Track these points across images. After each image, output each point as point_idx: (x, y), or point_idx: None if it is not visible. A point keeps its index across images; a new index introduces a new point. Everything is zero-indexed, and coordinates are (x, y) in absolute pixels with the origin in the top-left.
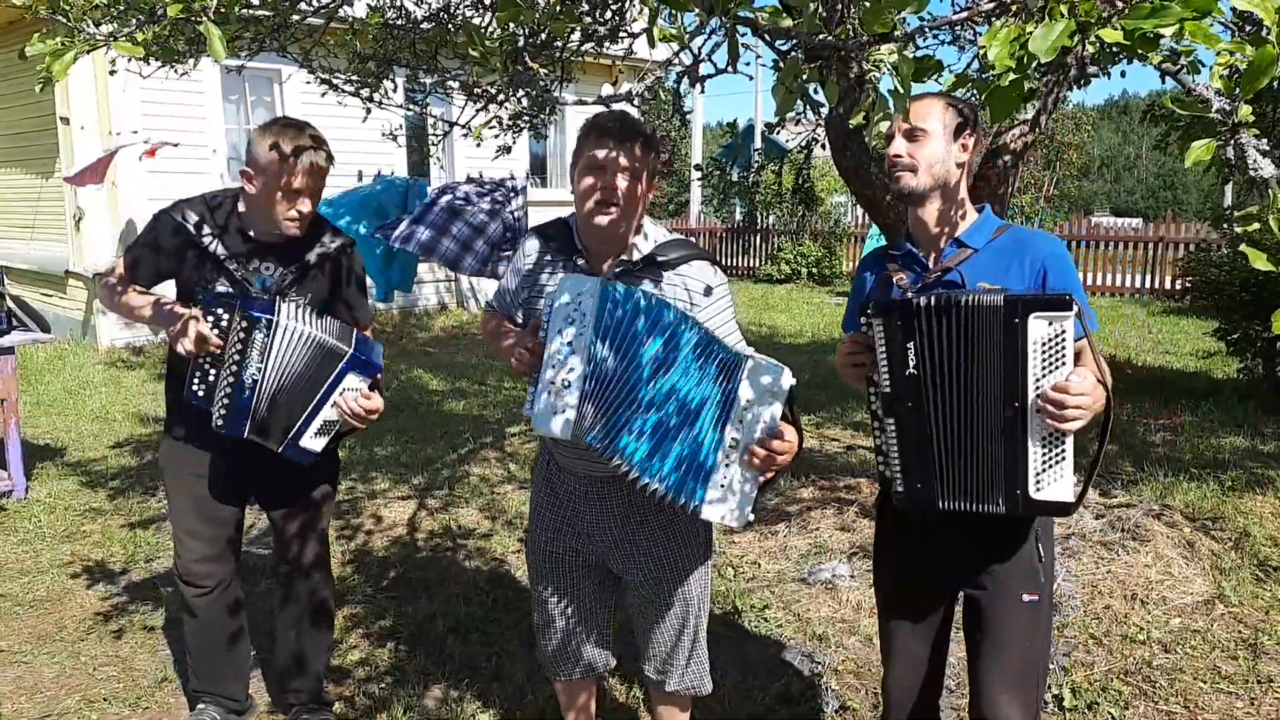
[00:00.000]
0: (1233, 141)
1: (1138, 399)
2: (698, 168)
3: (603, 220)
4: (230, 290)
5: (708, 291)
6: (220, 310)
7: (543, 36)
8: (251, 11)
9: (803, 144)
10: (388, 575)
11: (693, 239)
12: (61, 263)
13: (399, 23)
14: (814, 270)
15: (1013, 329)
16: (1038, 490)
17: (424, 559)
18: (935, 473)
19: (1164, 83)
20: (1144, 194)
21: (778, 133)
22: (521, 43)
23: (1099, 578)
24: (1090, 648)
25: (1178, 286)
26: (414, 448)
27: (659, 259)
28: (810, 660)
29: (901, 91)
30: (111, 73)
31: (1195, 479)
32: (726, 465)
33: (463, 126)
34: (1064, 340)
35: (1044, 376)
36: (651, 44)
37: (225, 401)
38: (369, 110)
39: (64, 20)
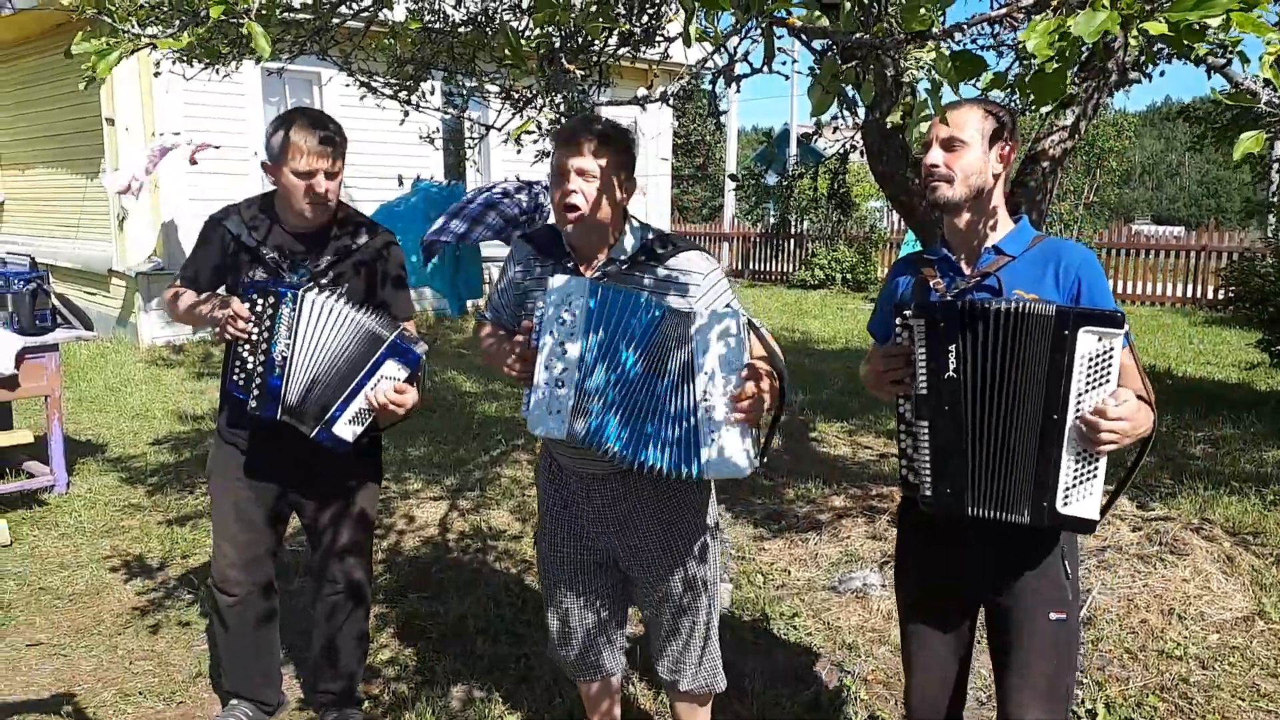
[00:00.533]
0: None
1: (1178, 410)
2: (733, 177)
3: (569, 225)
4: (266, 277)
5: (699, 280)
6: (255, 295)
7: (579, 40)
8: (292, 15)
9: (839, 150)
10: (419, 575)
11: (676, 234)
12: (105, 262)
13: (437, 26)
14: (848, 276)
15: (1061, 341)
16: (1065, 505)
17: (455, 559)
18: (967, 479)
19: (1210, 81)
20: (1186, 202)
21: (815, 140)
22: (558, 44)
23: (1135, 591)
24: (1126, 662)
25: (1220, 296)
26: (446, 449)
27: (648, 255)
28: (840, 669)
29: (941, 91)
30: (156, 74)
31: (1236, 492)
32: (709, 421)
33: (499, 129)
34: (1111, 357)
35: (1087, 392)
36: (688, 43)
37: (257, 382)
38: (406, 113)
39: (109, 20)
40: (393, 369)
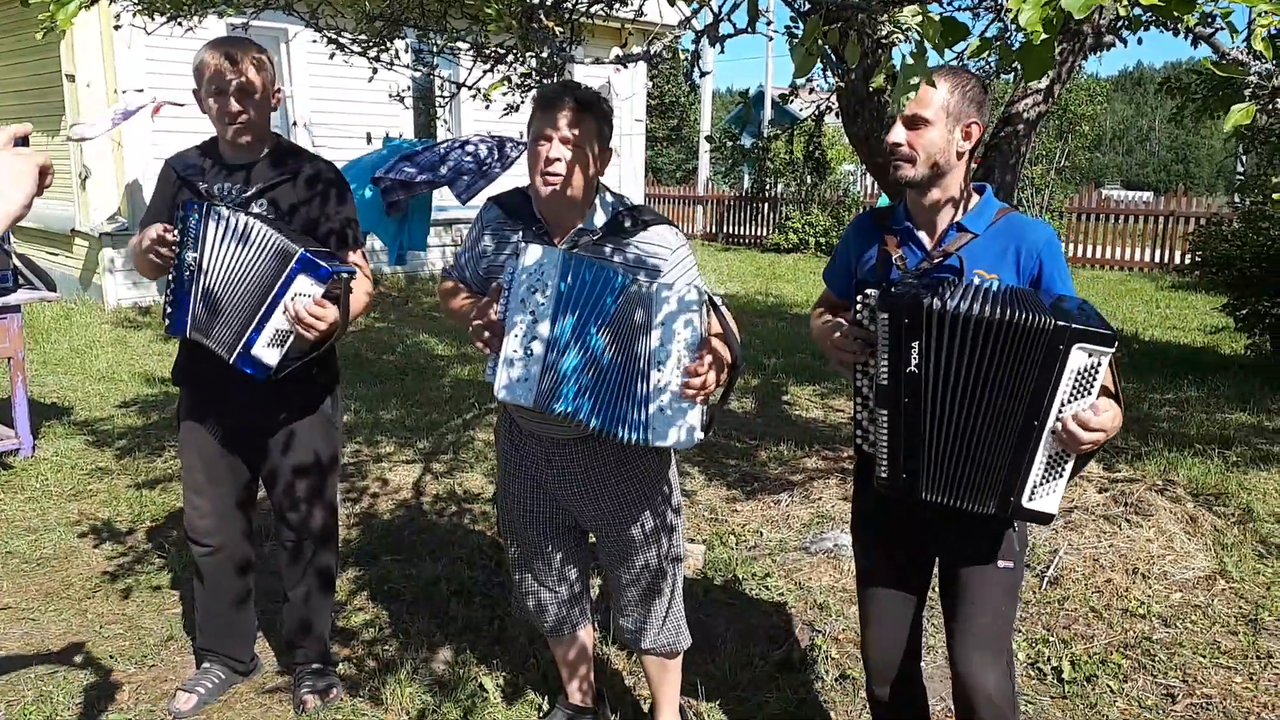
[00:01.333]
0: (1273, 105)
1: (1144, 374)
2: (709, 138)
3: (545, 190)
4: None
5: (668, 255)
6: (177, 216)
7: None
8: None
9: (814, 112)
10: (393, 538)
11: (653, 207)
12: (68, 221)
13: None
14: (822, 240)
15: (1055, 354)
16: (1030, 500)
17: (428, 522)
18: (921, 466)
19: (1194, 49)
20: (1156, 167)
21: (791, 102)
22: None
23: (1101, 551)
24: (1090, 621)
25: (1188, 261)
26: (419, 412)
27: (618, 228)
28: (811, 629)
29: (926, 55)
30: (117, 27)
31: (1200, 454)
32: (663, 394)
33: (469, 88)
34: (1098, 372)
35: (1070, 402)
36: (671, 2)
37: (169, 298)
38: (375, 70)
39: None
40: (305, 285)
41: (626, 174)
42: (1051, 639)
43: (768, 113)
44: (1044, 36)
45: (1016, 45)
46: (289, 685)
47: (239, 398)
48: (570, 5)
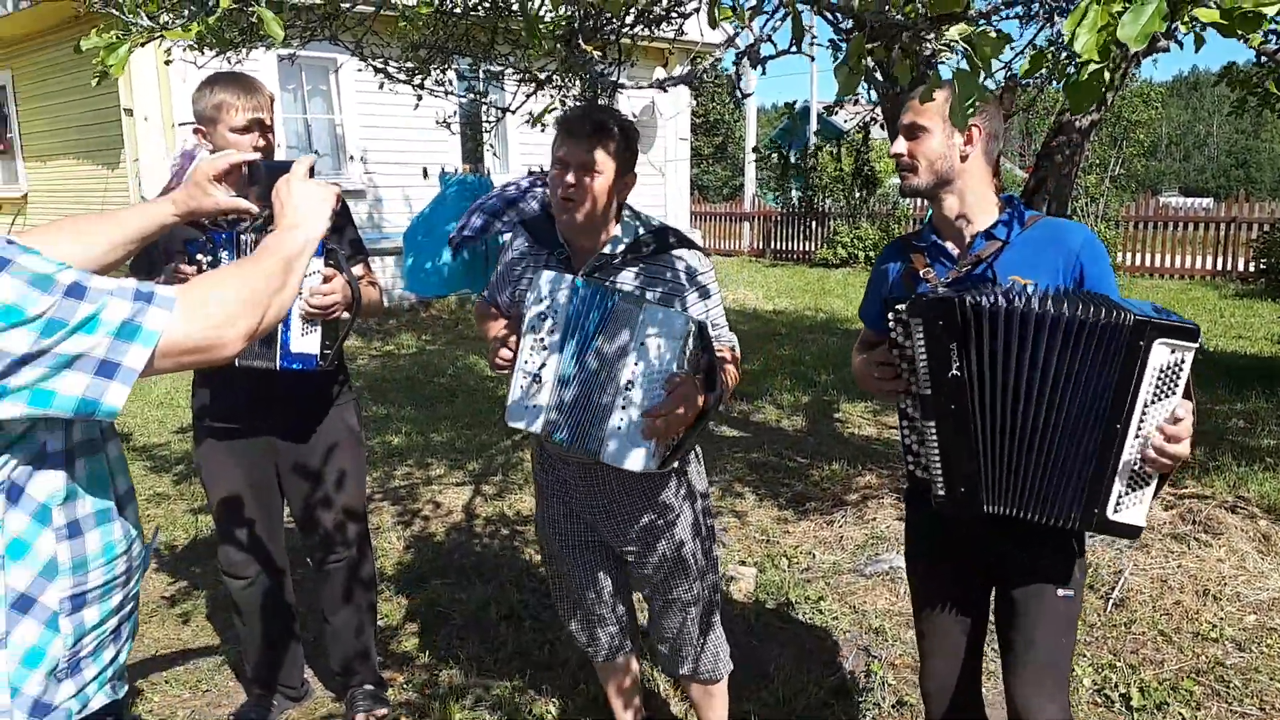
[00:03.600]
0: None
1: (1210, 385)
2: (755, 150)
3: (563, 215)
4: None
5: (690, 278)
6: (198, 254)
7: (597, 20)
8: (304, 0)
9: (859, 125)
10: (443, 561)
11: (677, 229)
12: None
13: (455, 10)
14: (871, 254)
15: (1135, 350)
16: (1116, 512)
17: (478, 545)
18: (982, 476)
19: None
20: (1215, 173)
21: (835, 113)
22: (576, 25)
23: (1169, 572)
24: (1160, 645)
25: (1251, 268)
26: (469, 433)
27: (639, 251)
28: (866, 653)
29: (978, 72)
30: (167, 63)
31: (1271, 469)
32: (621, 409)
33: (513, 112)
34: (1182, 370)
35: (1153, 403)
36: (712, 24)
37: None
38: (420, 97)
39: (118, 13)
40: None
41: (672, 193)
42: (1119, 664)
43: (813, 126)
44: (1093, 67)
45: (1070, 68)
46: (342, 711)
47: (266, 423)
48: (613, 28)
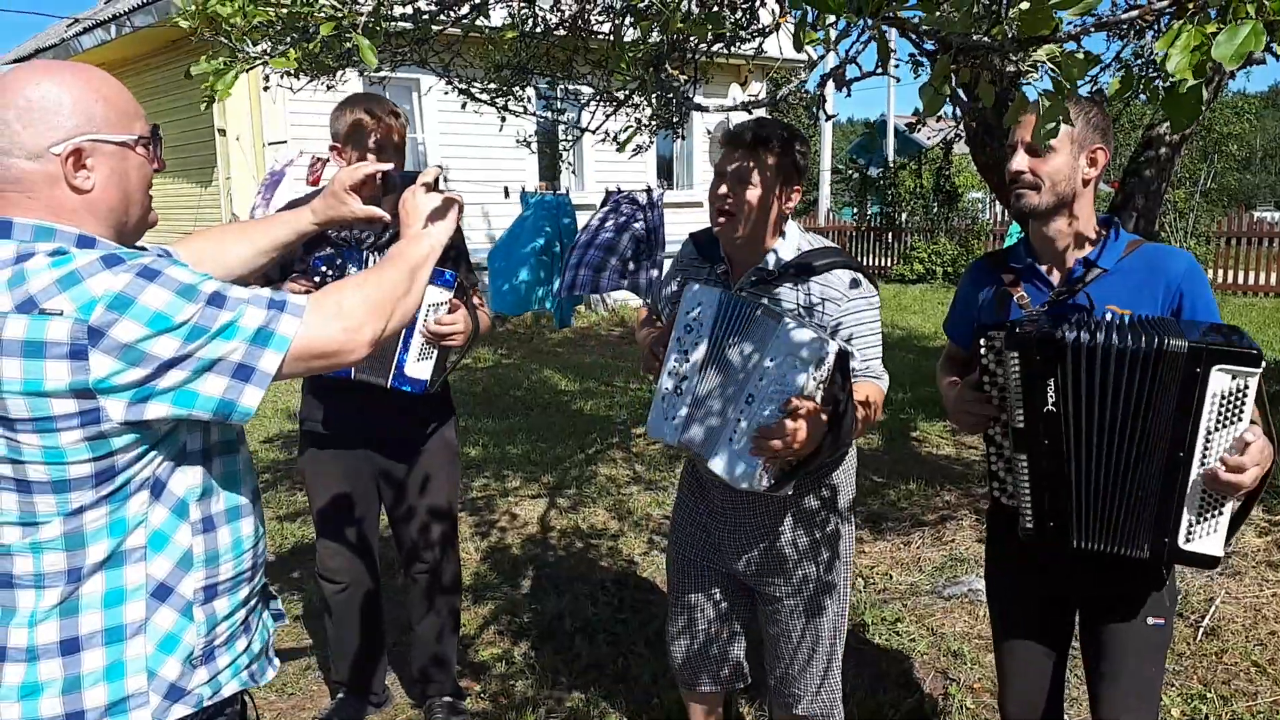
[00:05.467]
0: None
1: None
2: (836, 170)
3: (718, 228)
4: (331, 251)
5: (845, 299)
6: (324, 268)
7: (681, 42)
8: (395, 26)
9: (942, 141)
10: (520, 573)
11: (841, 249)
12: None
13: (536, 31)
14: (949, 270)
15: (1193, 378)
16: (1188, 541)
17: (553, 557)
18: (1072, 513)
19: None
20: None
21: (917, 130)
22: (664, 50)
23: (1263, 601)
24: (1253, 676)
25: None
26: (543, 446)
27: (798, 266)
28: (945, 677)
29: (1063, 94)
30: (265, 88)
31: None
32: (739, 421)
33: (593, 131)
34: (1245, 396)
35: (1216, 430)
36: (798, 47)
37: None
38: (504, 118)
39: (225, 41)
40: (435, 295)
41: None
42: (1209, 695)
43: (891, 141)
44: (1191, 83)
45: (1161, 85)
46: (421, 718)
47: (371, 437)
48: (693, 46)
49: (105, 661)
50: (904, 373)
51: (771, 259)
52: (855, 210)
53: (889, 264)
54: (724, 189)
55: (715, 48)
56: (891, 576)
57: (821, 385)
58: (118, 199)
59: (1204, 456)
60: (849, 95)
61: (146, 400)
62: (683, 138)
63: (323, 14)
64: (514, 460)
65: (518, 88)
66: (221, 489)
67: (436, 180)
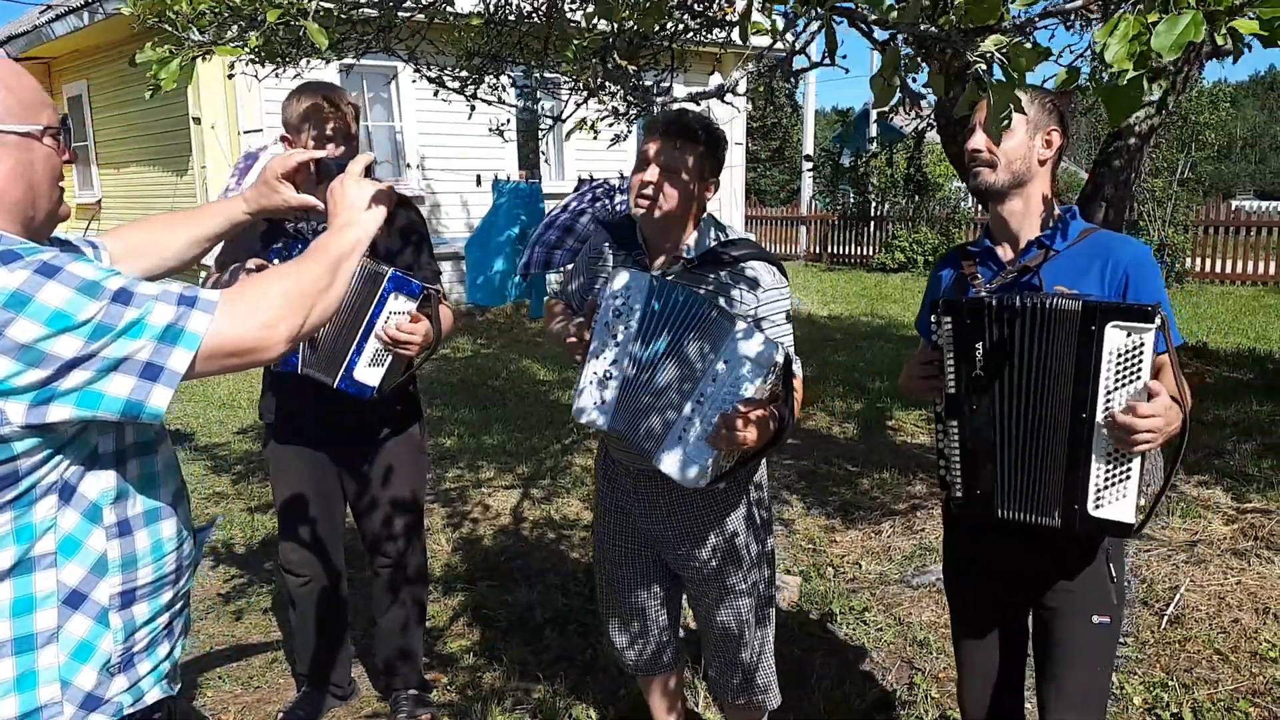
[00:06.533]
0: None
1: (1279, 396)
2: (808, 158)
3: (639, 213)
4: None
5: (760, 291)
6: (275, 260)
7: (632, 34)
8: (358, 13)
9: (913, 130)
10: (490, 563)
11: (753, 238)
12: None
13: (507, 18)
14: (930, 258)
15: (1088, 336)
16: (1097, 507)
17: (526, 548)
18: (996, 480)
19: None
20: None
21: (892, 118)
22: (612, 40)
23: (1227, 589)
24: (1215, 664)
25: None
26: (520, 436)
27: (716, 258)
28: (910, 667)
29: (1014, 84)
30: (230, 76)
31: None
32: (691, 421)
33: (562, 120)
34: (1141, 353)
35: (1116, 389)
36: (744, 39)
37: None
38: (473, 107)
39: (169, 29)
40: (399, 304)
41: (726, 196)
42: (1171, 683)
43: (873, 129)
44: (1132, 75)
45: (1105, 79)
46: (386, 711)
47: (333, 430)
48: (659, 39)
49: (15, 671)
50: (882, 362)
51: (689, 247)
52: (827, 199)
53: (870, 253)
54: (648, 175)
55: (688, 36)
56: (861, 566)
57: (769, 388)
58: (22, 192)
59: (1105, 418)
60: (796, 85)
61: (48, 402)
62: None
63: (268, 1)
64: (489, 450)
65: (490, 76)
66: (139, 491)
67: (368, 169)
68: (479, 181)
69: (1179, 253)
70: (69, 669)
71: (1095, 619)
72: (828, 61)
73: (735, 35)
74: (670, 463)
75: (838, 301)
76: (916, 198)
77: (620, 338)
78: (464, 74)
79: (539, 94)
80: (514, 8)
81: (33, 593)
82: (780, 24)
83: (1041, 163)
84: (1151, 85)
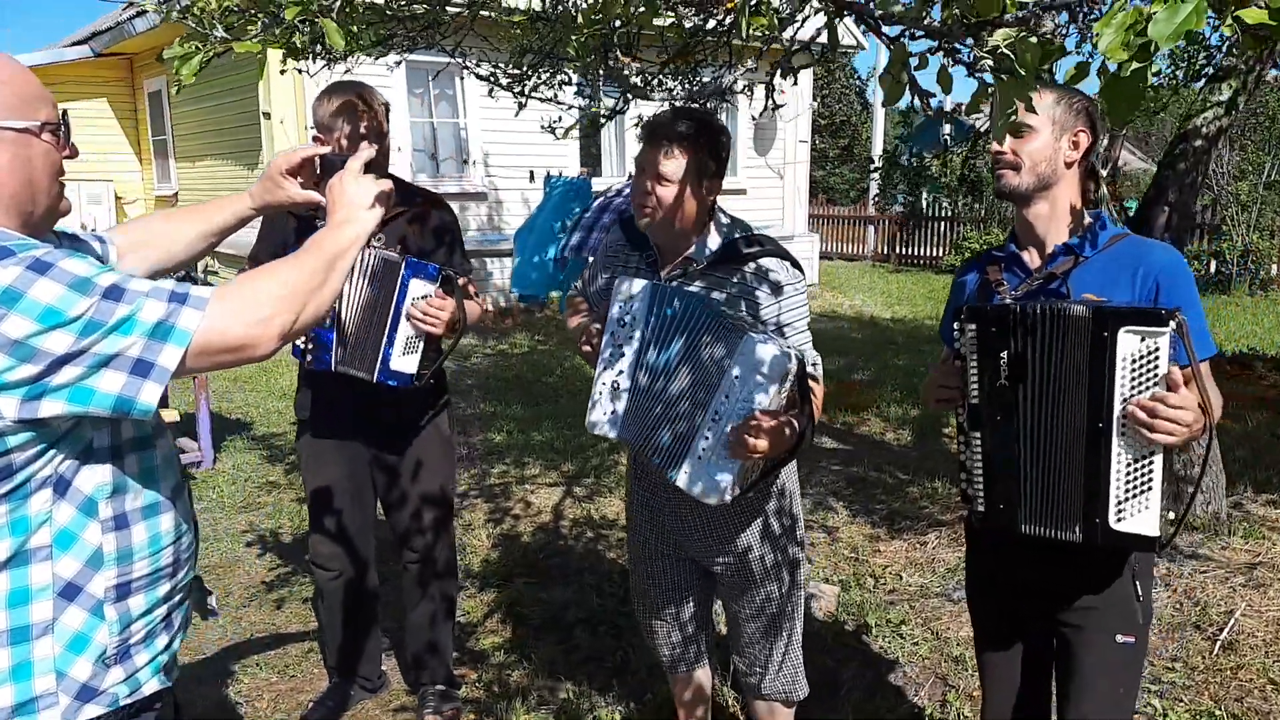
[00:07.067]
0: None
1: None
2: (869, 159)
3: (641, 222)
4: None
5: (777, 290)
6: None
7: (632, 31)
8: (409, 8)
9: (967, 131)
10: (529, 561)
11: (770, 238)
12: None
13: (557, 14)
14: None
15: (1101, 342)
16: (1119, 520)
17: (564, 547)
18: (1019, 494)
19: None
20: None
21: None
22: (615, 38)
23: None
24: (1269, 695)
25: None
26: (569, 434)
27: (729, 257)
28: (944, 683)
29: (1023, 80)
30: (282, 72)
31: None
32: (705, 436)
33: (608, 118)
34: (1157, 358)
35: (1133, 396)
36: (744, 37)
37: (310, 344)
38: (521, 105)
39: (192, 25)
40: (420, 287)
41: (789, 195)
42: (1219, 712)
43: (946, 126)
44: (1135, 66)
45: (1109, 72)
46: (414, 705)
47: (372, 424)
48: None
49: (11, 662)
50: None
51: (699, 248)
52: (893, 199)
53: (939, 253)
54: (645, 186)
55: (708, 25)
56: (902, 577)
57: (785, 398)
58: (21, 187)
59: (1122, 426)
60: (795, 84)
61: (40, 398)
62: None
63: None
64: (536, 447)
65: (545, 72)
66: (136, 486)
67: (367, 165)
68: (532, 177)
69: (1263, 259)
70: (64, 660)
71: (1119, 639)
72: (829, 57)
73: (740, 30)
74: (685, 479)
75: (902, 303)
76: (968, 199)
77: (629, 347)
78: (514, 71)
79: (601, 89)
80: (572, 4)
81: (28, 585)
82: (782, 17)
83: (1068, 165)
84: (1221, 85)
